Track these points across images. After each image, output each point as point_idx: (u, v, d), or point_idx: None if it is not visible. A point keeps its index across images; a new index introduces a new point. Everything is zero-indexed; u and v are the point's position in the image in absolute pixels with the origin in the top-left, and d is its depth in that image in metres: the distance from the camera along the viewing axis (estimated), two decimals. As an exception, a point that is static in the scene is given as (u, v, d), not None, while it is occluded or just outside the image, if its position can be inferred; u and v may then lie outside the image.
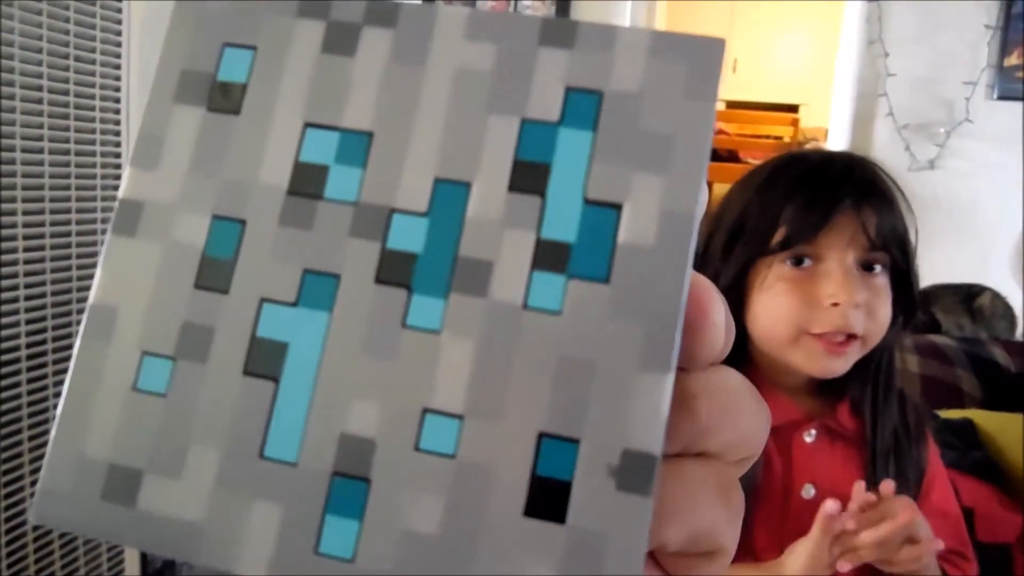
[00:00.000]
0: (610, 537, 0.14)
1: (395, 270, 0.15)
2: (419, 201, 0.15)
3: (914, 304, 0.73)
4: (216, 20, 0.16)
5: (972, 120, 2.60)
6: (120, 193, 0.17)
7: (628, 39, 0.15)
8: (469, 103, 0.16)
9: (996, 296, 2.22)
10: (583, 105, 0.15)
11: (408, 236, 0.15)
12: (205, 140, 0.16)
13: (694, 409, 0.16)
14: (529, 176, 0.15)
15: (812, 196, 0.68)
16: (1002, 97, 2.60)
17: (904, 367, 1.84)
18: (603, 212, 0.15)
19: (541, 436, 0.14)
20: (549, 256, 0.15)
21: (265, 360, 0.15)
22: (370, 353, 0.15)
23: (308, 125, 0.16)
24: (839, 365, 0.69)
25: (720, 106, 4.77)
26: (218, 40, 0.16)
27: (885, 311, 0.70)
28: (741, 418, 0.16)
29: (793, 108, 4.53)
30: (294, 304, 0.15)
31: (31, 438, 1.24)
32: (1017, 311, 2.32)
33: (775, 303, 0.69)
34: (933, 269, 2.34)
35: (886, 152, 2.66)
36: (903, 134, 2.64)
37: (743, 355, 0.73)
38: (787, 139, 4.23)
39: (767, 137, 4.45)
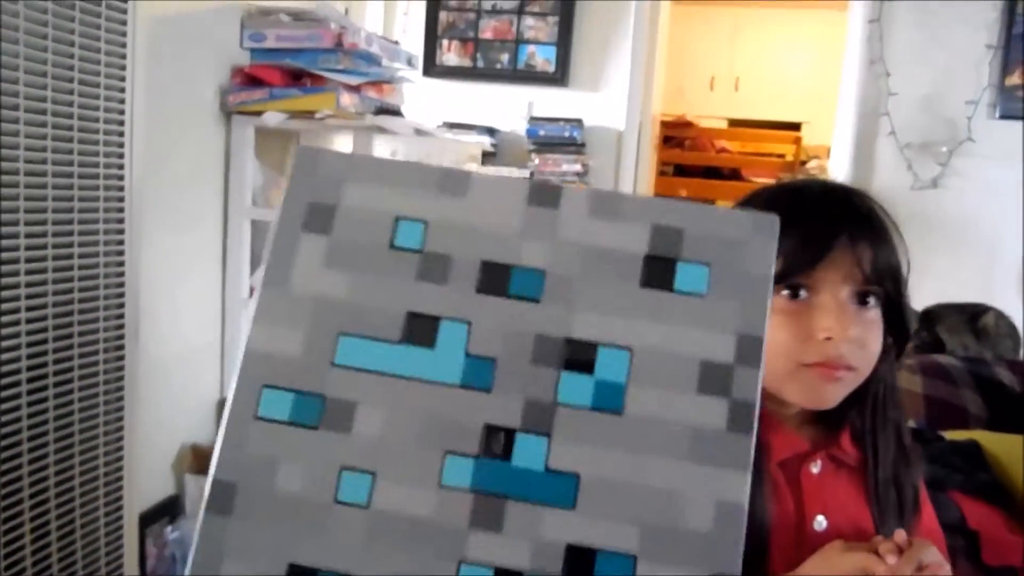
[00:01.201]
0: None
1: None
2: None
3: (907, 334, 0.75)
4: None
5: (974, 139, 2.60)
6: None
7: None
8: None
9: (1000, 316, 2.21)
10: None
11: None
12: None
13: None
14: None
15: (810, 230, 0.69)
16: (1004, 116, 2.61)
17: (908, 388, 1.83)
18: None
19: None
20: None
21: None
22: None
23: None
24: (833, 393, 0.70)
25: (722, 124, 4.79)
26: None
27: (876, 343, 0.71)
28: None
29: (796, 126, 4.55)
30: None
31: (30, 439, 1.24)
32: (1021, 330, 2.31)
33: (772, 337, 0.69)
34: (936, 288, 2.34)
35: (888, 171, 2.66)
36: (905, 153, 2.65)
37: None
38: (789, 157, 4.24)
39: (770, 155, 4.46)
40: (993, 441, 1.69)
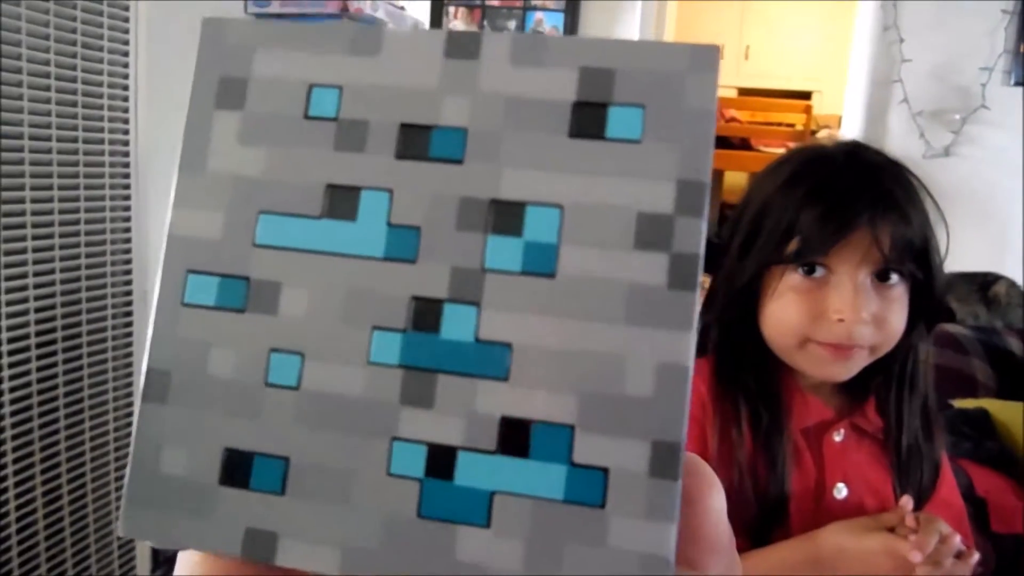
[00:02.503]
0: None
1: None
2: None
3: (938, 309, 0.72)
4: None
5: (988, 107, 2.57)
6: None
7: None
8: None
9: (1012, 285, 2.20)
10: None
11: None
12: None
13: None
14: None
15: (829, 208, 0.67)
16: (1019, 83, 2.57)
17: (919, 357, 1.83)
18: None
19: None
20: None
21: None
22: None
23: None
24: (843, 370, 0.69)
25: (732, 93, 4.73)
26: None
27: (897, 320, 0.69)
28: None
29: (806, 95, 4.49)
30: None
31: (40, 404, 1.24)
32: (1033, 300, 2.30)
33: (784, 312, 0.69)
34: (948, 257, 2.32)
35: (900, 139, 2.63)
36: (918, 121, 2.61)
37: (773, 358, 0.73)
38: (800, 127, 4.20)
39: (780, 124, 4.42)
40: (1002, 409, 1.69)
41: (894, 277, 0.69)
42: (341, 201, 0.18)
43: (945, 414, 1.50)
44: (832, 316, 0.67)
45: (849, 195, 0.68)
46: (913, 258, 0.68)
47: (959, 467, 1.36)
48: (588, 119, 0.18)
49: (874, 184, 0.69)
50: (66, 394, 1.30)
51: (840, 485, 0.72)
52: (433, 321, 0.17)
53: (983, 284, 2.16)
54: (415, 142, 0.18)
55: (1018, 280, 2.30)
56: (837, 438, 0.72)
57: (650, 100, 0.18)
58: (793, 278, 0.69)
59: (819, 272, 0.68)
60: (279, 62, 0.19)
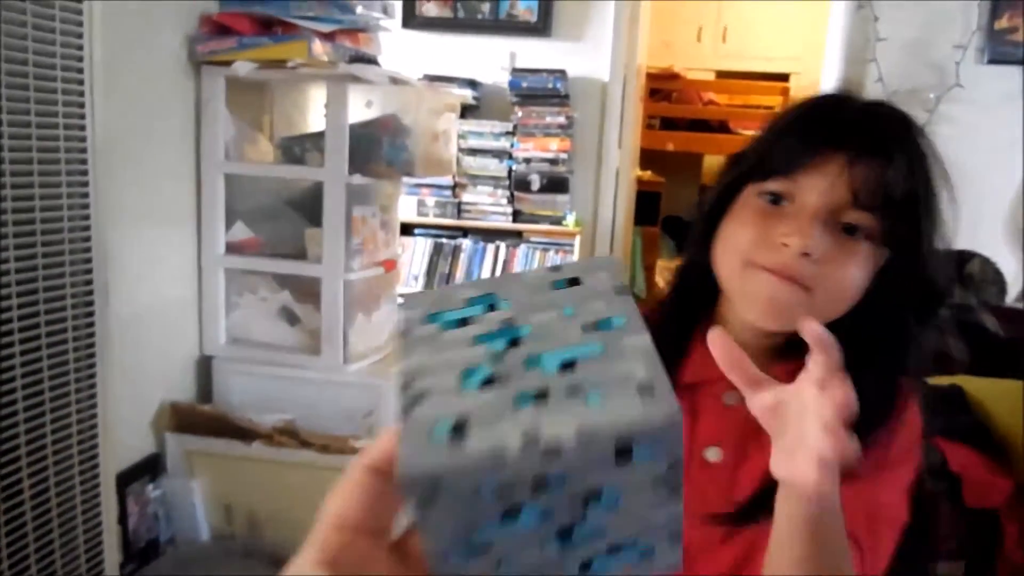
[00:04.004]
0: None
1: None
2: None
3: (928, 289, 0.65)
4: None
5: (963, 85, 2.57)
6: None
7: None
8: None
9: (986, 262, 2.21)
10: None
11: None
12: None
13: None
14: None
15: (807, 134, 0.64)
16: (993, 61, 2.57)
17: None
18: None
19: None
20: None
21: None
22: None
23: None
24: (777, 307, 0.63)
25: (710, 76, 4.71)
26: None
27: (849, 276, 0.63)
28: None
29: (784, 77, 4.48)
30: None
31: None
32: (1007, 277, 2.31)
33: (735, 230, 0.66)
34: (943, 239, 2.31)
35: (876, 118, 2.63)
36: (893, 100, 2.61)
37: (713, 308, 0.72)
38: (777, 108, 4.17)
39: (758, 107, 4.41)
40: (976, 386, 1.69)
41: (860, 234, 0.63)
42: (510, 515, 0.27)
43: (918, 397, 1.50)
44: (778, 239, 0.62)
45: (836, 126, 0.64)
46: (893, 213, 0.62)
47: (932, 445, 1.36)
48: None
49: (864, 122, 0.65)
50: (24, 386, 1.26)
51: (714, 449, 0.69)
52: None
53: (958, 262, 2.17)
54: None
55: (993, 257, 2.31)
56: (729, 401, 0.68)
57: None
58: (756, 202, 0.65)
59: (784, 204, 0.64)
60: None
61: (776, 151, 0.65)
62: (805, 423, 0.49)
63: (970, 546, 1.51)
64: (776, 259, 0.63)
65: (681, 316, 0.73)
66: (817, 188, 0.63)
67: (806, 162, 0.63)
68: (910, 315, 0.67)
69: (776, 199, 0.65)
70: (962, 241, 2.23)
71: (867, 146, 0.63)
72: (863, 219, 0.63)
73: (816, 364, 0.49)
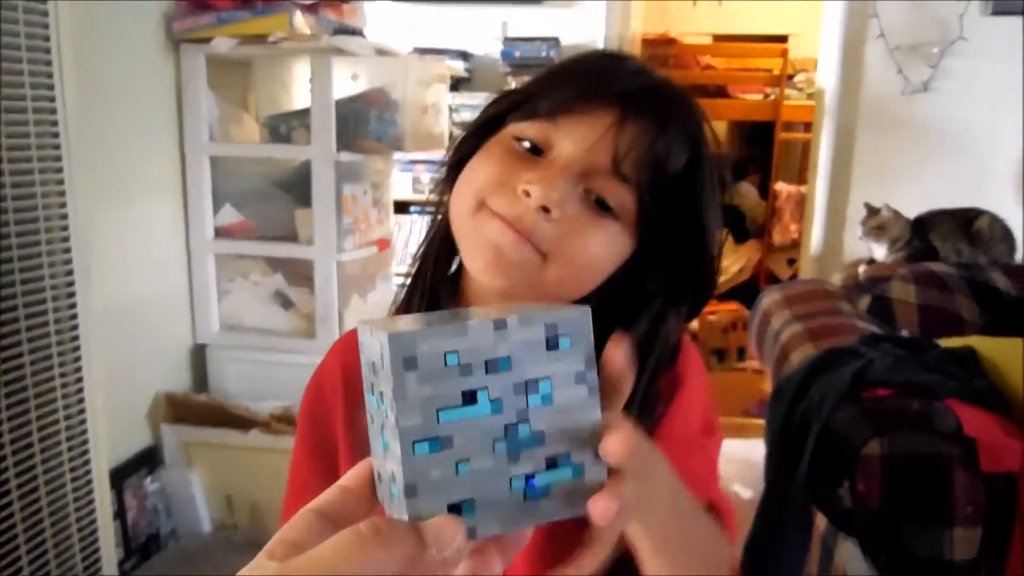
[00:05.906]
0: None
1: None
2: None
3: (694, 293, 0.60)
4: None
5: (966, 38, 2.49)
6: None
7: None
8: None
9: (994, 219, 2.15)
10: None
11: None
12: None
13: None
14: None
15: (582, 75, 0.58)
16: (997, 12, 2.49)
17: (902, 298, 1.78)
18: None
19: None
20: None
21: None
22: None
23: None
24: (501, 263, 0.56)
25: (706, 40, 4.63)
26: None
27: (590, 250, 0.56)
28: None
29: (782, 39, 4.39)
30: None
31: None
32: (1016, 233, 2.25)
33: (477, 169, 0.59)
34: (929, 195, 2.27)
35: (878, 76, 2.56)
36: (895, 56, 2.54)
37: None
38: (776, 71, 4.11)
39: (756, 70, 4.33)
40: (989, 346, 1.64)
41: (612, 214, 0.57)
42: (469, 399, 0.33)
43: (931, 354, 1.46)
44: (520, 185, 0.55)
45: (609, 73, 0.58)
46: (660, 187, 0.57)
47: (946, 408, 1.32)
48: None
49: (644, 81, 0.59)
50: (7, 382, 1.22)
51: None
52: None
53: (966, 220, 2.11)
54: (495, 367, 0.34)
55: (1001, 214, 2.25)
56: None
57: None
58: (510, 143, 0.58)
59: (540, 158, 0.57)
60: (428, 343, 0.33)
61: (543, 90, 0.58)
62: None
63: (987, 510, 1.47)
64: (512, 208, 0.56)
65: (428, 280, 0.65)
66: (576, 137, 0.56)
67: (572, 107, 0.56)
68: (672, 309, 0.61)
69: (534, 149, 0.58)
70: (967, 198, 2.17)
71: (641, 106, 0.56)
72: (619, 195, 0.56)
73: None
